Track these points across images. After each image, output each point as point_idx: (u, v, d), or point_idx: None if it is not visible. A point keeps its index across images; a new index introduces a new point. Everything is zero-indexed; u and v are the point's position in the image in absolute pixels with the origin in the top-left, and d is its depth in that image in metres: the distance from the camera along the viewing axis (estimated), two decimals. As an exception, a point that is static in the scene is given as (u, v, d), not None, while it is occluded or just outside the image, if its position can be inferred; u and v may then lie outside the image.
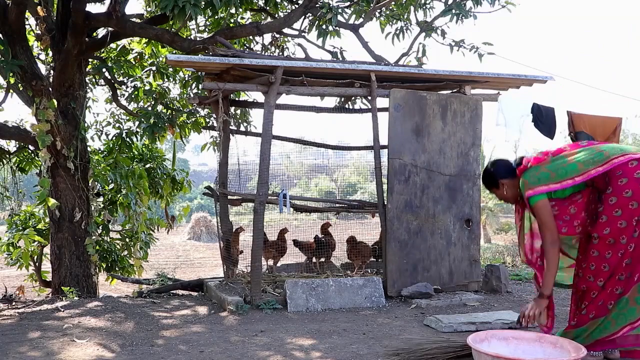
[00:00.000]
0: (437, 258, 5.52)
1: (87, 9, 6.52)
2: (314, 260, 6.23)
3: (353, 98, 7.12)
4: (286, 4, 7.97)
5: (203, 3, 5.22)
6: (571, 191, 3.58)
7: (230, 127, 6.08)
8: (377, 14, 7.53)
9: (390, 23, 7.74)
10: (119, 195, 7.68)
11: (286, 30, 7.60)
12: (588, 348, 3.42)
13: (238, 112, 8.16)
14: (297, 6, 7.05)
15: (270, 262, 6.15)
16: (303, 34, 7.49)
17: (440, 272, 5.52)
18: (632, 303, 3.39)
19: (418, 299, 5.18)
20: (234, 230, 6.02)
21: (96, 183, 7.16)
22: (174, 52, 6.57)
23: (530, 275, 6.37)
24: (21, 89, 6.94)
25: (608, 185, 3.46)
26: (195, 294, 6.09)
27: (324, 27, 6.57)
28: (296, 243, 6.25)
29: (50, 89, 6.59)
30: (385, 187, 5.46)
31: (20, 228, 7.79)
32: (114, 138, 8.27)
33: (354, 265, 6.13)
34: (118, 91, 8.26)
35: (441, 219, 5.52)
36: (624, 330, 3.43)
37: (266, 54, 8.04)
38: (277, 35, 8.02)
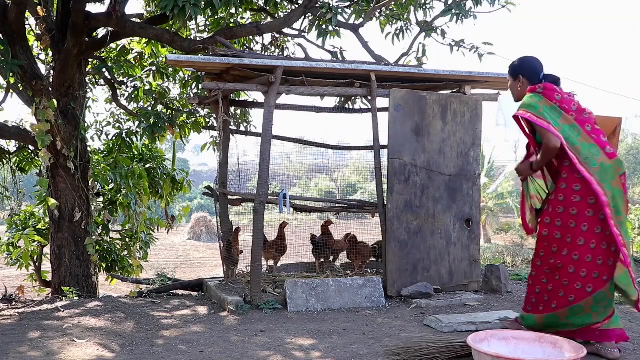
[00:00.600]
0: (437, 258, 5.52)
1: (87, 9, 6.52)
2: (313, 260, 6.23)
3: (353, 98, 7.12)
4: (286, 4, 7.97)
5: (203, 3, 5.22)
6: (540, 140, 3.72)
7: (230, 127, 6.08)
8: (377, 14, 7.53)
9: (390, 23, 7.74)
10: (119, 195, 7.68)
11: (286, 30, 7.60)
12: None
13: (238, 112, 8.16)
14: (297, 6, 7.05)
15: (271, 262, 6.14)
16: (303, 34, 7.48)
17: (440, 272, 5.52)
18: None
19: (418, 299, 5.19)
20: (233, 230, 6.02)
21: (96, 183, 7.16)
22: (174, 52, 6.58)
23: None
24: (21, 89, 6.94)
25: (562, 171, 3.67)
26: (195, 294, 6.09)
27: (324, 27, 6.57)
28: (314, 241, 6.16)
29: (50, 89, 6.60)
30: (385, 187, 5.47)
31: (20, 228, 7.79)
32: (114, 138, 8.27)
33: (354, 265, 6.13)
34: (118, 91, 8.26)
35: (441, 219, 5.52)
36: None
37: (266, 54, 8.04)
38: (277, 35, 8.02)
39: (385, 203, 5.42)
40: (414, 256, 5.43)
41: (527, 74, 3.94)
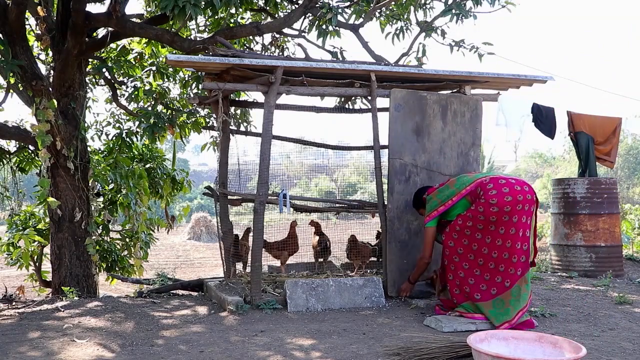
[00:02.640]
0: (437, 258, 5.47)
1: (87, 9, 6.51)
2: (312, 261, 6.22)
3: (353, 98, 7.12)
4: (286, 4, 7.97)
5: (203, 3, 5.22)
6: (457, 213, 4.52)
7: (230, 127, 6.08)
8: (377, 14, 7.53)
9: (390, 23, 7.74)
10: (119, 195, 7.67)
11: (286, 30, 7.60)
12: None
13: (238, 112, 8.16)
14: (297, 6, 7.05)
15: (277, 262, 6.09)
16: (303, 34, 7.48)
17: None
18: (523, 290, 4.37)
19: (418, 298, 5.18)
20: (245, 230, 6.02)
21: (96, 183, 7.16)
22: (174, 52, 6.57)
23: (529, 275, 6.36)
24: (21, 89, 6.94)
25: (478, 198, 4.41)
26: (195, 294, 6.08)
27: (324, 27, 6.57)
28: (353, 243, 6.07)
29: (50, 89, 6.59)
30: (385, 187, 5.46)
31: (20, 228, 7.78)
32: (114, 138, 8.26)
33: (354, 265, 6.12)
34: (118, 91, 8.26)
35: None
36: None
37: (266, 54, 8.04)
38: (277, 35, 8.02)
39: (386, 203, 5.42)
40: (414, 256, 5.39)
41: (417, 205, 5.06)
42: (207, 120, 8.39)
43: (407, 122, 5.41)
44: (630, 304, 5.19)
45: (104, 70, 7.45)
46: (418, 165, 5.42)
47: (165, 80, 7.99)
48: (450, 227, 4.54)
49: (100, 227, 7.65)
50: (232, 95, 6.32)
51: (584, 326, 4.42)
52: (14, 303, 5.62)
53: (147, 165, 8.21)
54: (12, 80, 7.02)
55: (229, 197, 5.92)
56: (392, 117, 5.37)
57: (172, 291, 6.21)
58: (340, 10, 6.49)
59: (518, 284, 4.32)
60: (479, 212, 4.33)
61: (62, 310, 5.01)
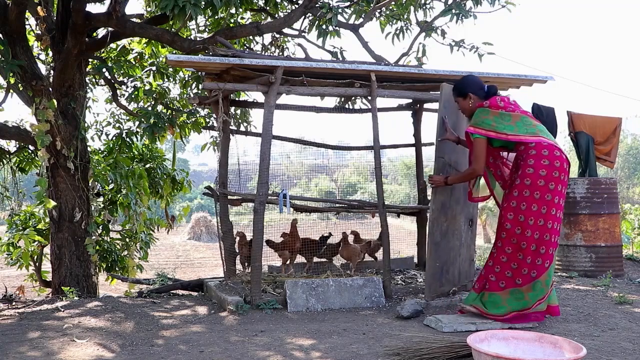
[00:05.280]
0: (455, 259, 5.37)
1: (87, 9, 6.51)
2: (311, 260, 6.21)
3: (353, 98, 7.12)
4: (286, 4, 7.97)
5: (203, 3, 5.22)
6: (499, 144, 4.41)
7: (230, 127, 6.08)
8: (377, 14, 7.53)
9: (390, 23, 7.74)
10: (119, 195, 7.68)
11: (286, 30, 7.60)
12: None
13: (238, 112, 8.16)
14: (297, 6, 7.05)
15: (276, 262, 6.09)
16: (303, 34, 7.48)
17: (454, 273, 5.38)
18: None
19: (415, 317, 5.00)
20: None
21: (96, 183, 7.16)
22: (174, 52, 6.57)
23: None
24: (21, 89, 6.94)
25: (528, 158, 4.22)
26: (195, 294, 6.09)
27: (324, 27, 6.57)
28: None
29: (50, 89, 6.59)
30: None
31: (20, 228, 7.79)
32: (114, 138, 8.27)
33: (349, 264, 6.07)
34: (118, 91, 8.26)
35: (458, 219, 5.34)
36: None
37: (266, 54, 8.04)
38: (277, 35, 8.02)
39: (429, 205, 5.23)
40: (442, 258, 5.17)
41: (473, 89, 4.57)
42: (207, 120, 8.39)
43: (450, 120, 5.21)
44: (630, 304, 5.19)
45: (104, 70, 7.45)
46: (450, 164, 5.23)
47: (165, 80, 7.99)
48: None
49: (100, 227, 7.65)
50: (232, 95, 6.32)
51: (584, 326, 4.41)
52: (14, 303, 5.62)
53: (147, 165, 8.22)
54: (12, 80, 7.02)
55: (229, 197, 5.92)
56: (441, 113, 5.13)
57: (172, 291, 6.21)
58: (340, 10, 6.49)
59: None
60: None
61: (62, 310, 5.01)
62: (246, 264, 5.89)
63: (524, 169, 4.24)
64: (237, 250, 5.89)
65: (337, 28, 6.94)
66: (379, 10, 7.40)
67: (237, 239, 5.88)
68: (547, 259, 4.22)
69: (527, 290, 4.26)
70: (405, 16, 7.70)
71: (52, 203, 6.43)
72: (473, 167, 4.50)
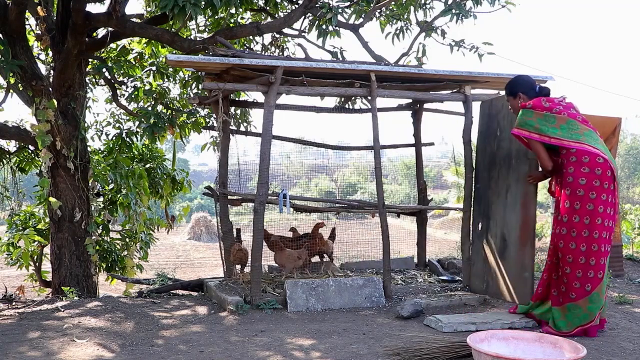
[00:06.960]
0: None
1: (87, 9, 6.51)
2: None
3: (353, 98, 7.12)
4: (286, 4, 7.97)
5: (203, 3, 5.22)
6: (546, 146, 4.21)
7: (230, 127, 6.08)
8: (377, 14, 7.53)
9: (390, 23, 7.73)
10: (119, 195, 7.67)
11: (286, 30, 7.60)
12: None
13: (238, 112, 8.16)
14: (297, 6, 7.04)
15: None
16: (303, 34, 7.48)
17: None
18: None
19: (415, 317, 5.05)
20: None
21: (96, 183, 7.16)
22: (174, 52, 6.57)
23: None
24: (21, 89, 6.94)
25: (568, 165, 4.09)
26: (195, 294, 6.08)
27: (324, 27, 6.56)
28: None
29: (50, 89, 6.59)
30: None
31: (20, 228, 7.79)
32: (114, 138, 8.26)
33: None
34: (118, 91, 8.26)
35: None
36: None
37: (266, 54, 8.04)
38: (277, 35, 8.02)
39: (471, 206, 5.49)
40: (482, 256, 5.43)
41: (524, 89, 4.43)
42: (207, 120, 8.39)
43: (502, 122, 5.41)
44: (630, 304, 5.19)
45: (104, 70, 7.45)
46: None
47: (165, 80, 7.98)
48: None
49: (100, 227, 7.65)
50: (232, 95, 6.32)
51: (584, 326, 4.41)
52: (14, 303, 5.62)
53: (147, 165, 8.21)
54: (12, 80, 7.02)
55: (229, 197, 5.92)
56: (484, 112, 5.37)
57: (172, 291, 6.21)
58: (340, 10, 6.48)
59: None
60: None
61: (62, 310, 5.01)
62: (239, 267, 5.90)
63: (565, 177, 4.12)
64: (231, 258, 5.86)
65: (337, 28, 6.94)
66: (379, 10, 7.40)
67: (234, 251, 5.83)
68: (600, 269, 4.01)
69: (585, 304, 4.02)
70: (405, 16, 7.69)
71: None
72: (541, 165, 4.37)
